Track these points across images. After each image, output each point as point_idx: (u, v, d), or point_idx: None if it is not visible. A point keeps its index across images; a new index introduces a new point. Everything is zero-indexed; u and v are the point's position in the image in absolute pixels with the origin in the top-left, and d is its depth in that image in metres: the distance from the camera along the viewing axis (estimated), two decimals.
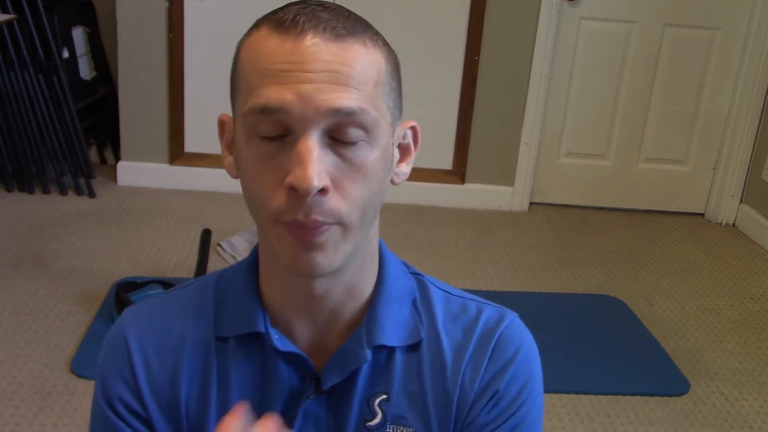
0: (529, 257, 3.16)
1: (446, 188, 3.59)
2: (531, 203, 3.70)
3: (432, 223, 3.41)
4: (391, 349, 0.78)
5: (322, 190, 0.65)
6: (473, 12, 3.37)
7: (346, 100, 0.65)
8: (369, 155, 0.68)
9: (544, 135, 3.61)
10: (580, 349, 2.49)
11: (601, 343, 2.55)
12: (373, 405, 0.77)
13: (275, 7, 0.71)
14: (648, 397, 2.28)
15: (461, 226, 3.42)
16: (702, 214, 3.77)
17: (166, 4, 3.30)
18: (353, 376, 0.77)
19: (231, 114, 0.75)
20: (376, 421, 0.77)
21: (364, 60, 0.68)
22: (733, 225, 3.67)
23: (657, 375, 2.41)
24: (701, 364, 2.49)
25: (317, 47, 0.66)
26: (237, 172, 0.74)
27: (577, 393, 2.26)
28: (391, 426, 0.77)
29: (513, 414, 0.79)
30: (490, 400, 0.78)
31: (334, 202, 0.67)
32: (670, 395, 2.30)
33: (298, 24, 0.66)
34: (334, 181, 0.67)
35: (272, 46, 0.67)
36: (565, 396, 2.23)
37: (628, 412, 2.21)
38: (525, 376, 0.80)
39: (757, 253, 3.40)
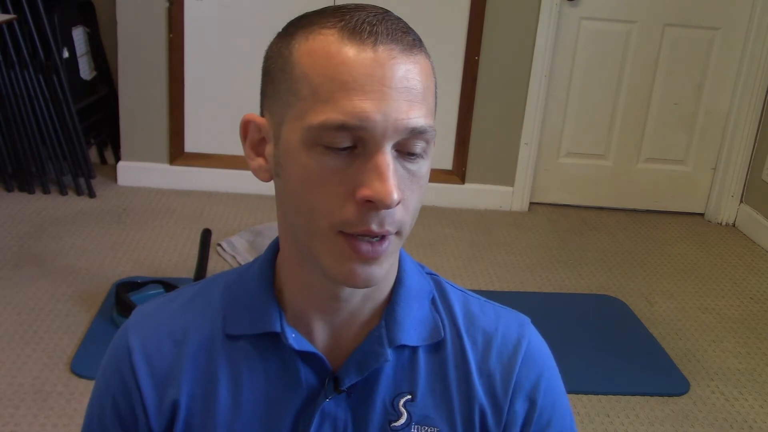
0: (529, 257, 3.16)
1: (446, 188, 3.59)
2: (531, 203, 3.70)
3: (432, 223, 3.41)
4: (414, 349, 0.79)
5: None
6: (473, 12, 3.37)
7: (420, 118, 0.67)
8: (425, 166, 0.70)
9: (544, 135, 3.61)
10: (580, 349, 2.49)
11: (601, 343, 2.55)
12: (397, 405, 0.77)
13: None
14: (648, 397, 2.28)
15: (461, 226, 3.42)
16: (702, 214, 3.77)
17: (166, 4, 3.31)
18: (375, 375, 0.77)
19: (256, 113, 0.74)
20: (401, 421, 0.77)
21: (427, 72, 0.69)
22: (733, 225, 3.67)
23: (657, 375, 2.41)
24: (701, 364, 2.49)
25: (395, 60, 0.66)
26: (277, 178, 0.72)
27: (577, 393, 2.26)
28: (417, 426, 0.77)
29: (557, 421, 0.82)
30: (531, 413, 0.80)
31: (399, 212, 0.68)
32: (670, 395, 2.30)
33: (374, 33, 0.66)
34: (401, 193, 0.68)
35: (348, 55, 0.65)
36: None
37: (628, 412, 2.21)
38: (558, 386, 0.84)
39: (757, 253, 3.40)
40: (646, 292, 2.95)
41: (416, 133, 0.67)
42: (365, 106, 0.64)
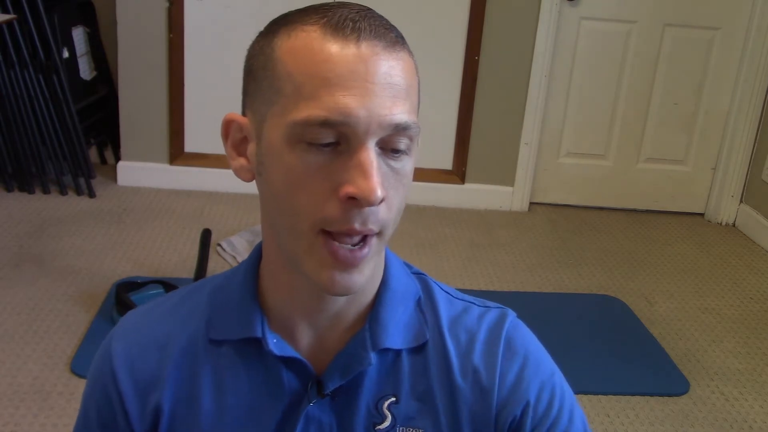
0: (529, 257, 3.16)
1: (446, 188, 3.59)
2: (531, 203, 3.70)
3: (432, 223, 3.41)
4: (398, 351, 0.78)
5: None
6: (473, 12, 3.37)
7: (403, 114, 0.66)
8: (408, 164, 0.70)
9: (544, 135, 3.61)
10: (580, 349, 2.49)
11: (601, 343, 2.55)
12: (382, 408, 0.77)
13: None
14: (648, 397, 2.28)
15: (461, 226, 3.42)
16: (702, 214, 3.77)
17: (166, 4, 3.30)
18: (358, 379, 0.76)
19: (240, 113, 0.74)
20: (386, 424, 0.77)
21: (410, 70, 0.69)
22: (733, 225, 3.67)
23: (657, 375, 2.41)
24: (701, 364, 2.49)
25: (377, 56, 0.66)
26: (259, 177, 0.71)
27: (577, 393, 2.24)
28: (401, 428, 0.77)
29: (557, 400, 0.79)
30: (527, 405, 0.78)
31: (383, 211, 0.68)
32: (670, 395, 2.30)
33: (357, 30, 0.65)
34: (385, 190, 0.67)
35: (331, 51, 0.65)
36: None
37: (628, 412, 2.21)
38: (547, 365, 0.81)
39: (757, 253, 3.40)
40: (646, 292, 2.95)
41: (400, 129, 0.66)
42: (348, 101, 0.64)
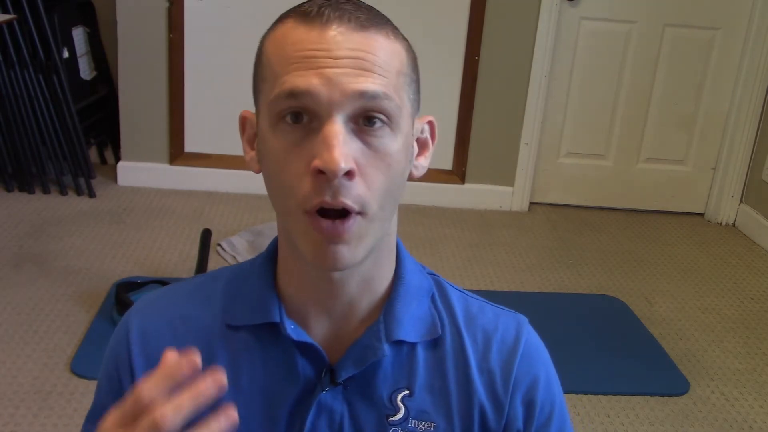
0: (529, 257, 3.16)
1: (446, 188, 3.59)
2: (531, 203, 3.70)
3: (432, 223, 3.41)
4: (413, 345, 0.79)
5: (349, 173, 0.67)
6: (473, 12, 3.37)
7: (371, 84, 0.67)
8: (392, 143, 0.70)
9: (544, 135, 3.61)
10: (580, 349, 2.49)
11: (601, 343, 2.55)
12: (395, 400, 0.78)
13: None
14: (648, 397, 2.28)
15: (461, 226, 3.42)
16: (702, 214, 3.77)
17: (166, 4, 3.31)
18: (372, 370, 0.77)
19: (253, 111, 0.77)
20: (399, 416, 0.78)
21: (387, 49, 0.70)
22: (733, 225, 3.67)
23: (657, 375, 2.41)
24: (701, 364, 2.49)
25: (342, 36, 0.68)
26: (260, 166, 0.75)
27: (577, 393, 2.26)
28: (414, 421, 0.78)
29: (557, 416, 0.84)
30: (531, 410, 0.81)
31: (358, 188, 0.68)
32: (670, 395, 2.30)
33: (323, 15, 0.69)
34: (359, 167, 0.68)
35: (298, 35, 0.69)
36: (564, 396, 2.23)
37: (628, 412, 2.21)
38: (555, 382, 0.85)
39: (757, 253, 3.40)
40: (646, 292, 2.95)
41: (368, 97, 0.67)
42: (310, 74, 0.67)
